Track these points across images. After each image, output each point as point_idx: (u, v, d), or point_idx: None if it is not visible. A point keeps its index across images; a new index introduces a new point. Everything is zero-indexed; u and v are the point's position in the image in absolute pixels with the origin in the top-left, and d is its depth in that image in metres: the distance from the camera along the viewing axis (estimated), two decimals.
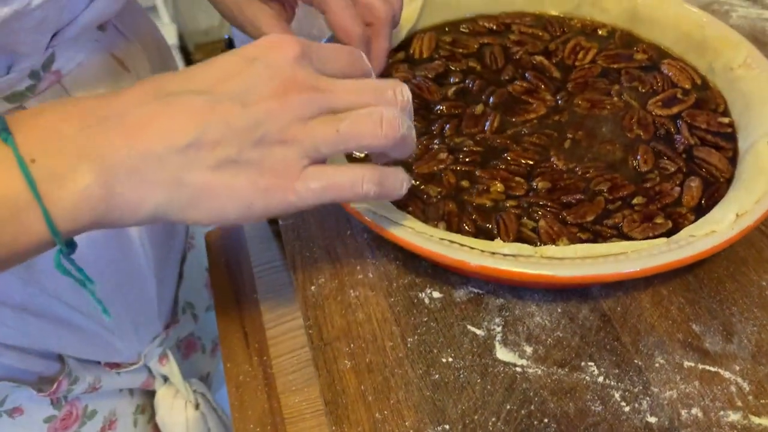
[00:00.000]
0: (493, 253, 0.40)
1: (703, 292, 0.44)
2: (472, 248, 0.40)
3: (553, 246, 0.41)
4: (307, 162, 0.33)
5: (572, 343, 0.42)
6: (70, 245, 0.30)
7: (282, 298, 0.59)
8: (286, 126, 0.32)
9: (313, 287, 0.47)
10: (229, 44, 1.20)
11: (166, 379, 0.60)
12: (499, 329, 0.43)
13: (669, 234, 0.43)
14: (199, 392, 0.62)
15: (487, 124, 0.51)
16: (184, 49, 2.04)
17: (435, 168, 0.48)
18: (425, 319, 0.44)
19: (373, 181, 0.35)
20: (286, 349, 0.56)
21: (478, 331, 0.43)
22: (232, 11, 0.45)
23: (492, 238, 0.43)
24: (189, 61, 2.09)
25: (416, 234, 0.41)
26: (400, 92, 0.36)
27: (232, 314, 0.58)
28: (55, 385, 0.49)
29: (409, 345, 0.42)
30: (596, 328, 0.42)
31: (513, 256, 0.40)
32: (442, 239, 0.41)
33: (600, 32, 0.59)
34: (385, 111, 0.34)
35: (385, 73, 0.55)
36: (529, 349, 0.41)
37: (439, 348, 0.42)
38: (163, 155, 0.30)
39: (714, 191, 0.45)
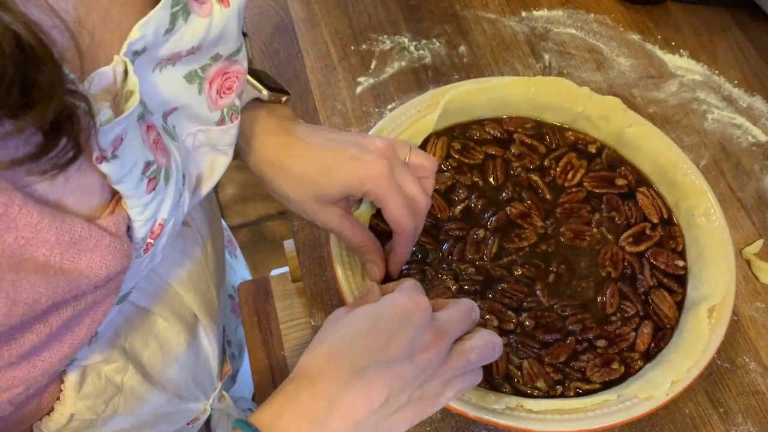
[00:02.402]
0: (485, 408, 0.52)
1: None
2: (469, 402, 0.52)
3: (532, 400, 0.53)
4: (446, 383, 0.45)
5: None
6: None
7: None
8: (437, 367, 0.44)
9: None
10: None
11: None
12: None
13: (621, 378, 0.56)
14: (248, 409, 0.75)
15: (487, 250, 0.62)
16: None
17: (444, 296, 0.59)
18: None
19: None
20: None
21: None
22: (307, 212, 0.52)
23: (488, 372, 0.56)
24: None
25: None
26: (477, 312, 0.49)
27: (265, 370, 0.71)
28: None
29: None
30: None
31: (502, 409, 0.52)
32: None
33: (590, 148, 0.68)
34: (495, 338, 0.48)
35: None
36: None
37: None
38: (364, 420, 0.40)
39: (661, 338, 0.58)
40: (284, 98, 0.53)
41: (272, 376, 0.70)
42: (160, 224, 0.38)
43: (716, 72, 0.78)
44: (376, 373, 0.41)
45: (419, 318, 0.44)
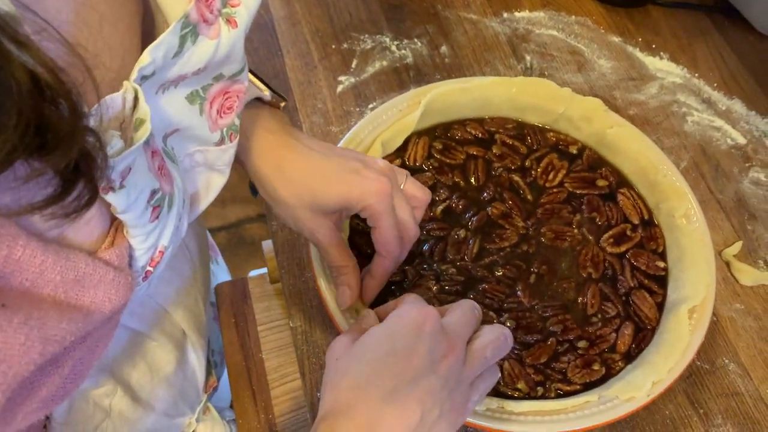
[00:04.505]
0: None
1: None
2: None
3: (513, 402, 0.53)
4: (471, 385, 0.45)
5: None
6: None
7: (283, 359, 0.71)
8: (458, 373, 0.43)
9: (319, 393, 0.58)
10: None
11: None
12: None
13: (602, 379, 0.55)
14: (231, 419, 0.73)
15: (468, 250, 0.61)
16: None
17: (424, 297, 0.58)
18: None
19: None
20: (288, 409, 0.68)
21: None
22: (297, 220, 0.50)
23: None
24: None
25: None
26: (479, 310, 0.49)
27: (242, 373, 0.70)
28: None
29: None
30: None
31: (482, 411, 0.52)
32: None
33: (571, 149, 0.68)
34: (504, 330, 0.48)
35: None
36: None
37: None
38: None
39: (641, 339, 0.57)
40: (282, 104, 0.52)
41: (249, 380, 0.69)
42: (160, 252, 0.37)
43: (696, 75, 0.78)
44: (405, 393, 0.40)
45: (431, 327, 0.43)
